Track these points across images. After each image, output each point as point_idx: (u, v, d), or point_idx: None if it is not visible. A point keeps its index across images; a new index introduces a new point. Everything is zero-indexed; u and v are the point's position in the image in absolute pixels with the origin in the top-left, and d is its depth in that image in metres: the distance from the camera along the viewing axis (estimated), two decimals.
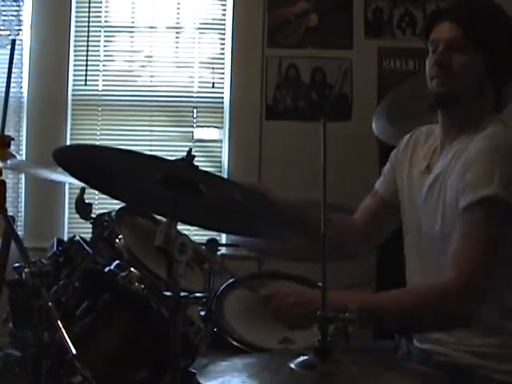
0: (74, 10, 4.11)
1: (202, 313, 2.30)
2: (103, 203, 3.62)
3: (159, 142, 4.14)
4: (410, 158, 1.93)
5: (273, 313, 1.64)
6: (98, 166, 1.45)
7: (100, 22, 4.18)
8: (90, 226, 2.27)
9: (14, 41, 2.44)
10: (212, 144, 4.16)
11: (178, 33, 4.23)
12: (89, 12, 4.12)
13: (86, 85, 4.14)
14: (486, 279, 1.59)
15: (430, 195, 1.78)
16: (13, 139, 2.07)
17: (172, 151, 4.04)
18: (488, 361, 1.67)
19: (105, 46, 4.21)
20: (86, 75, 4.13)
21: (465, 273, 1.59)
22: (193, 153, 1.39)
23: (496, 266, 1.61)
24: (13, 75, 3.81)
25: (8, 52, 2.38)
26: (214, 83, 4.15)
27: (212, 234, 4.09)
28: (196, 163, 1.41)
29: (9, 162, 2.00)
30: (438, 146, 1.85)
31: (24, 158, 3.91)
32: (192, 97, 4.19)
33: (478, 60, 1.72)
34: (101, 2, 4.17)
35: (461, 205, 1.65)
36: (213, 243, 2.60)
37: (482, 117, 1.75)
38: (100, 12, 4.17)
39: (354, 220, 2.08)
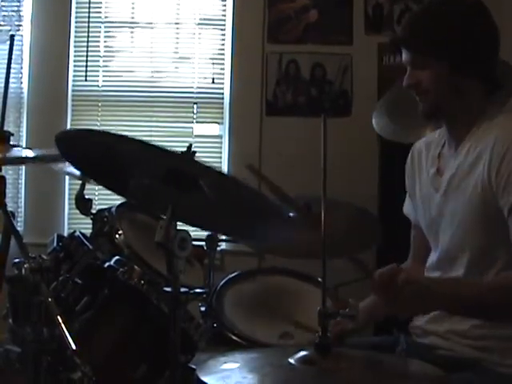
0: (74, 5, 4.10)
1: (202, 308, 2.30)
2: (103, 199, 3.62)
3: (159, 137, 4.12)
4: (418, 174, 1.92)
5: (380, 289, 1.51)
6: (98, 154, 1.44)
7: (100, 17, 4.17)
8: (90, 221, 2.27)
9: (12, 36, 2.44)
10: (212, 140, 4.15)
11: (178, 28, 4.22)
12: (89, 7, 4.11)
13: (86, 80, 4.13)
14: None
15: (447, 196, 1.75)
16: (12, 134, 2.06)
17: (172, 147, 3.98)
18: (490, 354, 1.66)
19: (105, 41, 4.20)
20: (86, 71, 4.12)
21: None
22: (193, 148, 1.38)
23: None
24: (13, 71, 3.83)
25: (7, 47, 2.38)
26: (214, 79, 4.14)
27: None
28: (196, 159, 1.41)
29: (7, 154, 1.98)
30: (446, 150, 1.83)
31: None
32: (192, 92, 4.17)
33: (438, 67, 1.74)
34: None
35: (506, 205, 1.61)
36: (212, 239, 2.60)
37: (481, 111, 1.75)
38: (100, 7, 4.16)
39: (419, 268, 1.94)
